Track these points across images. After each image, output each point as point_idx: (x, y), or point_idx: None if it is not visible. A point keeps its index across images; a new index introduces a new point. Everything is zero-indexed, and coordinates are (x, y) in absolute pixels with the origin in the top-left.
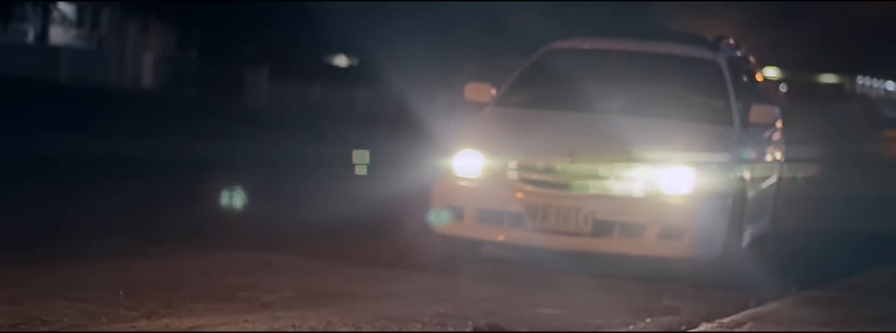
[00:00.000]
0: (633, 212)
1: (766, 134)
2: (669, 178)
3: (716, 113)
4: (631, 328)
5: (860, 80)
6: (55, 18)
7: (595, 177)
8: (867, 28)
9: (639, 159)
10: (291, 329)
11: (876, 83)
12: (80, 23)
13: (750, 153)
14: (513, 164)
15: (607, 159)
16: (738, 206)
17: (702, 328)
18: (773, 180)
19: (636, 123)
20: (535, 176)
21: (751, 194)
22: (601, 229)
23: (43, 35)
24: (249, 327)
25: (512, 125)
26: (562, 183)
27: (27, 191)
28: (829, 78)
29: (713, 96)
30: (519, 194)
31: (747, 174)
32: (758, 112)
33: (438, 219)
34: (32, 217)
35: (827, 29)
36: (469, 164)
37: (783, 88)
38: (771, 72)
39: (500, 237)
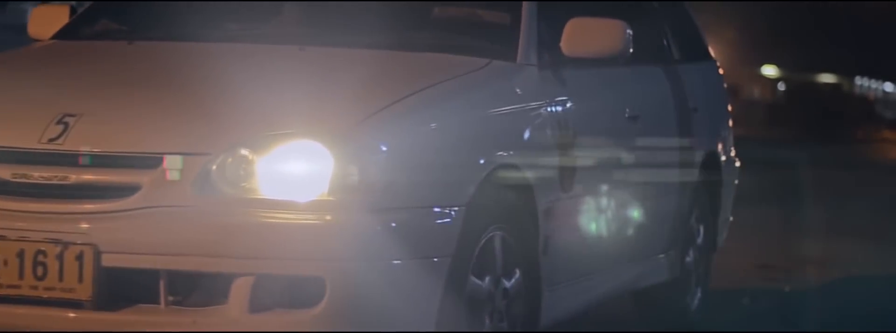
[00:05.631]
0: (193, 246)
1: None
2: (280, 166)
3: (459, 36)
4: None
5: (859, 80)
6: None
7: (107, 169)
8: (866, 28)
9: (219, 123)
10: None
11: (874, 84)
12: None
13: (567, 124)
14: None
15: (135, 127)
16: (510, 241)
17: None
18: (673, 189)
19: (238, 53)
20: None
21: (577, 218)
22: (119, 290)
23: None
24: None
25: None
26: (28, 186)
27: None
28: (827, 78)
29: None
30: None
31: (565, 173)
32: (577, 31)
33: None
34: None
35: (826, 28)
36: None
37: (781, 86)
38: (769, 70)
39: None
